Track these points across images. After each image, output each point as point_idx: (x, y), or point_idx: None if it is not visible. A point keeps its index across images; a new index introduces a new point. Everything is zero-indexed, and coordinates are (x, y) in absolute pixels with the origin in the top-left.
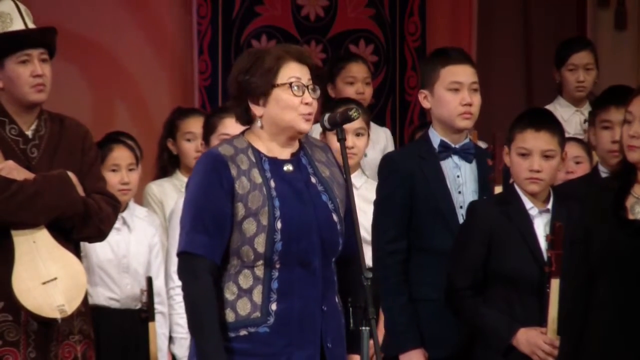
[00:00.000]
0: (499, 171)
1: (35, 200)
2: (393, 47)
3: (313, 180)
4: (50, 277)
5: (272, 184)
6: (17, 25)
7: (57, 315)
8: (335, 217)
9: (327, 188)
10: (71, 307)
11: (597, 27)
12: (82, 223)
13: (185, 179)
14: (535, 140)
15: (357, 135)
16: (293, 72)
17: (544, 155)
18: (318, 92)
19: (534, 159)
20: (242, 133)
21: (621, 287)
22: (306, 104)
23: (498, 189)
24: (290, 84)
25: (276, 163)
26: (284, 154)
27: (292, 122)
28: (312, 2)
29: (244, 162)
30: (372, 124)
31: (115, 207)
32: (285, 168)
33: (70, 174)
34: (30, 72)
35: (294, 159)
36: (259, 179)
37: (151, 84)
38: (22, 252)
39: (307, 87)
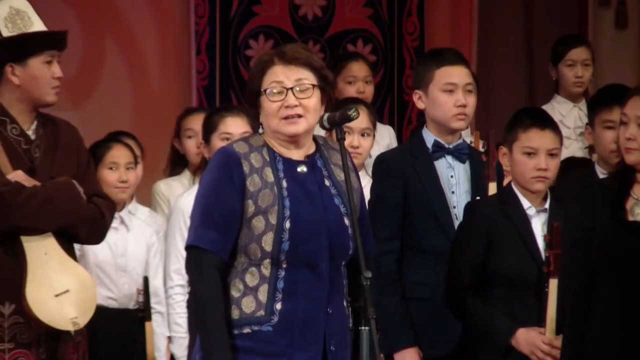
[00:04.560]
0: (493, 168)
1: (46, 206)
2: (391, 47)
3: (327, 182)
4: (62, 290)
5: (284, 183)
6: (38, 25)
7: (70, 327)
8: (346, 221)
9: (341, 191)
10: (84, 319)
11: (598, 26)
12: (87, 229)
13: (191, 177)
14: (541, 139)
15: (363, 135)
16: (275, 76)
17: (550, 154)
18: (311, 90)
19: (540, 158)
20: (259, 132)
21: (621, 288)
22: (287, 107)
23: (492, 186)
24: (266, 90)
25: (290, 163)
26: (299, 155)
27: (276, 127)
28: (309, 2)
29: (258, 160)
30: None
31: (111, 209)
32: (299, 169)
33: (74, 182)
34: (52, 74)
35: (309, 160)
36: (271, 178)
37: (150, 83)
38: (35, 264)
39: (292, 88)
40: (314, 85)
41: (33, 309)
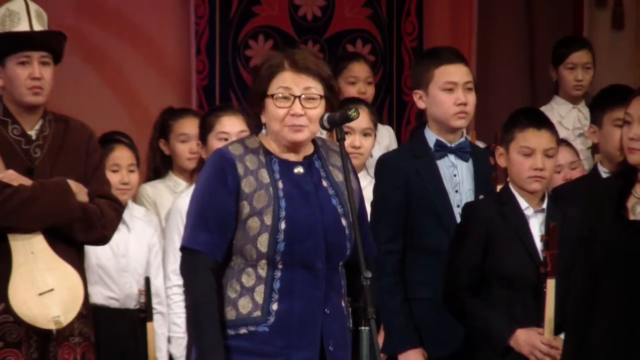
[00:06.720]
0: (501, 170)
1: (28, 206)
2: (390, 47)
3: (324, 183)
4: (46, 288)
5: (280, 184)
6: (23, 25)
7: (52, 326)
8: (344, 222)
9: (338, 192)
10: (67, 318)
11: (595, 26)
12: (84, 229)
13: (179, 180)
14: (538, 139)
15: (365, 135)
16: (284, 82)
17: (546, 154)
18: (317, 101)
19: (537, 158)
20: (256, 133)
21: (624, 287)
22: (293, 115)
23: (500, 189)
24: (273, 95)
25: (286, 165)
26: (296, 156)
27: (280, 132)
28: (309, 2)
29: (253, 161)
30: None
31: (118, 211)
32: (295, 170)
33: (71, 182)
34: (29, 74)
35: (306, 161)
36: (266, 179)
37: (149, 83)
38: (20, 262)
39: (300, 97)
40: (320, 96)
41: (14, 307)
